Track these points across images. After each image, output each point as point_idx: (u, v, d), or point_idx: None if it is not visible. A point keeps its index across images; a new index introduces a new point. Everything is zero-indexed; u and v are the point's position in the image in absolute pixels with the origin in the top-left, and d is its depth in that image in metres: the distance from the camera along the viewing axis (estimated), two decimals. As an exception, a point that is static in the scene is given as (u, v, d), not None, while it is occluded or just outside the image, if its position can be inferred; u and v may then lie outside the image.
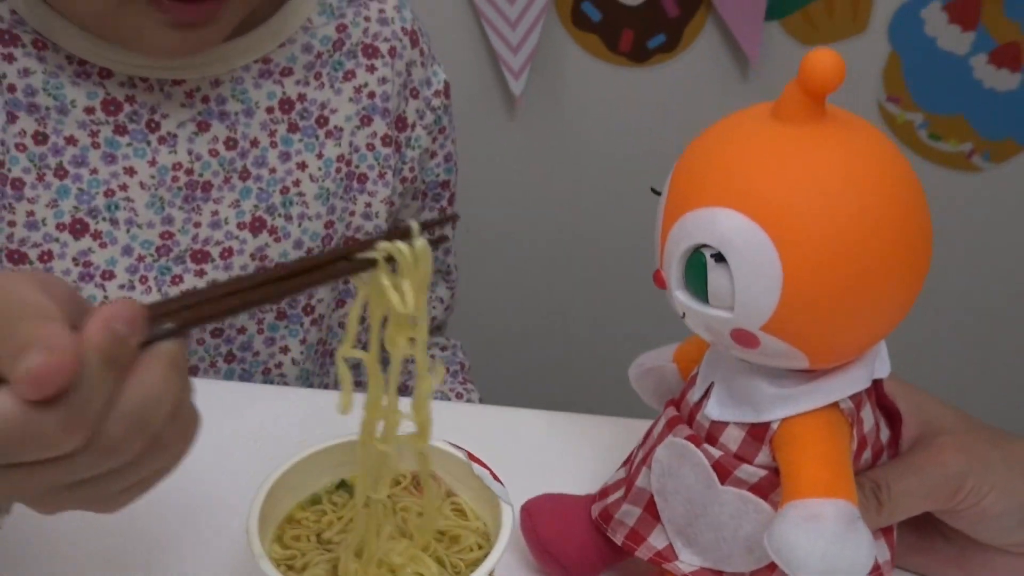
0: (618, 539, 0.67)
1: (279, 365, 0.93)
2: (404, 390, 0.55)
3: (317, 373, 0.97)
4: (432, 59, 0.99)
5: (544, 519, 0.69)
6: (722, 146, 0.56)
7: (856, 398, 0.61)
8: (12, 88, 0.80)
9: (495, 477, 0.63)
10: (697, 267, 0.56)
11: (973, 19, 1.64)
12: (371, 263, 0.49)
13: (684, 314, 0.59)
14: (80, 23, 0.81)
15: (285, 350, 0.93)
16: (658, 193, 0.62)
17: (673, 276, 0.58)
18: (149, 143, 0.85)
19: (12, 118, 0.81)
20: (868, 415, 0.63)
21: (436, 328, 1.11)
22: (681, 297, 0.58)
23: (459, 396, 1.04)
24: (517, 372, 1.90)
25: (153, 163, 0.85)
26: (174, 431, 0.47)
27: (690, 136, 1.73)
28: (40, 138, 0.82)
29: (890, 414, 0.65)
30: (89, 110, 0.82)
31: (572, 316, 1.91)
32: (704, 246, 0.55)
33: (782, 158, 0.54)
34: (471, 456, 0.64)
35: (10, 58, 0.81)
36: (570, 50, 1.68)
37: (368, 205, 0.95)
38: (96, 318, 0.44)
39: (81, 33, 0.82)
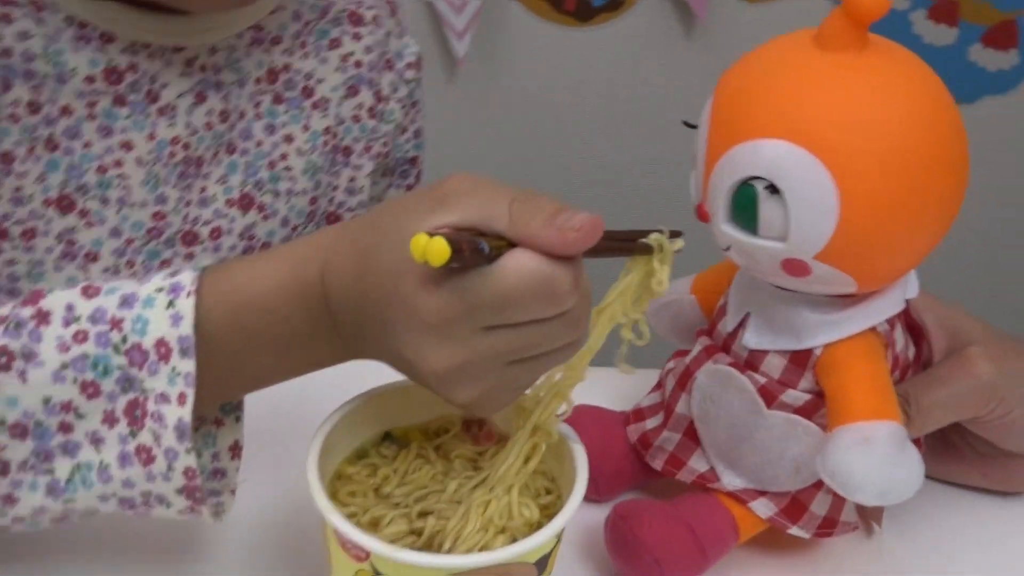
0: (657, 464, 0.67)
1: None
2: None
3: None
4: (405, 29, 0.96)
5: (586, 431, 0.67)
6: (767, 76, 0.56)
7: (890, 320, 0.61)
8: (8, 52, 0.76)
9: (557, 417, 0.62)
10: (747, 199, 0.56)
11: (911, -25, 1.69)
12: (650, 248, 0.56)
13: (729, 247, 0.59)
14: None
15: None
16: (692, 126, 0.61)
17: (720, 209, 0.57)
18: (149, 115, 0.81)
19: (7, 86, 0.76)
20: (900, 335, 0.63)
21: None
22: (728, 230, 0.58)
23: None
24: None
25: (152, 137, 0.81)
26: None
27: (637, 95, 1.74)
28: (34, 108, 0.78)
29: (915, 332, 0.66)
30: (89, 79, 0.78)
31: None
32: (755, 178, 0.55)
33: (830, 87, 0.54)
34: None
35: (7, 19, 0.75)
36: (514, 10, 1.66)
37: (352, 179, 0.92)
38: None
39: None
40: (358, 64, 0.90)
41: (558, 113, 1.74)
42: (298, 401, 0.65)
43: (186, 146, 0.83)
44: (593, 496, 0.67)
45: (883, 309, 0.60)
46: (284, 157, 0.87)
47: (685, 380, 0.66)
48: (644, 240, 0.56)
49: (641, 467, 0.69)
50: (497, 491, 0.58)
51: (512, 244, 0.51)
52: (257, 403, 0.61)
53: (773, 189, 0.55)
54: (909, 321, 0.65)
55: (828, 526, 0.64)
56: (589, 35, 1.68)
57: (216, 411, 0.60)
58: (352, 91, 0.90)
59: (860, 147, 0.53)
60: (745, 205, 0.56)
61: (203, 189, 0.84)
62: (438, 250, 0.47)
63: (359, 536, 0.53)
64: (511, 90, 1.72)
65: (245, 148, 0.86)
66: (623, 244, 0.56)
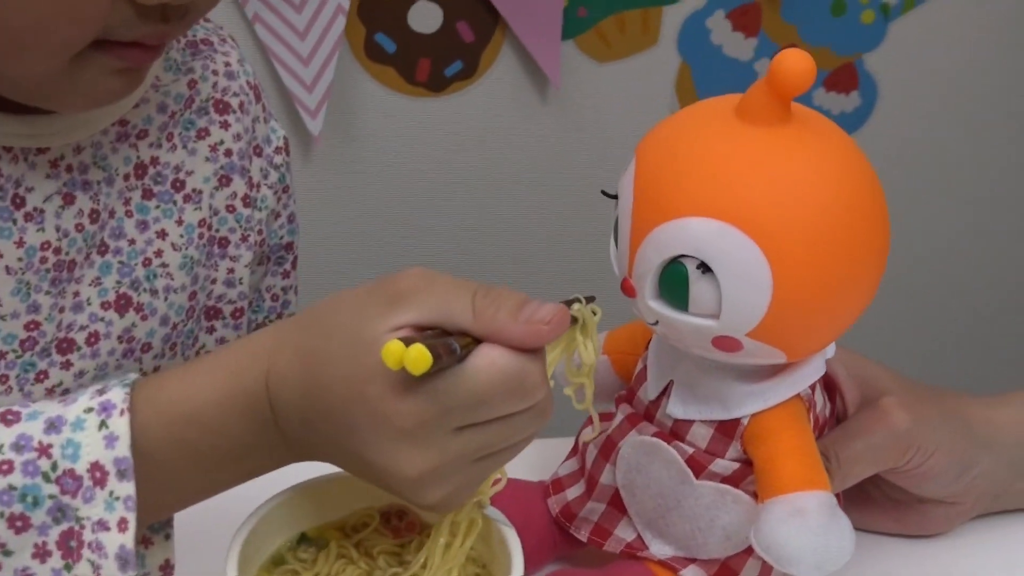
0: (583, 535, 0.66)
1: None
2: None
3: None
4: (270, 114, 0.94)
5: (505, 506, 0.66)
6: (692, 150, 0.55)
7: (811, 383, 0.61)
8: None
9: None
10: (677, 277, 0.55)
11: (755, 25, 1.72)
12: (574, 320, 0.56)
13: (657, 321, 0.58)
14: (9, 91, 0.71)
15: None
16: (610, 196, 0.60)
17: (647, 286, 0.57)
18: (15, 221, 0.76)
19: None
20: (819, 395, 0.64)
21: None
22: (656, 307, 0.57)
23: None
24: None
25: (20, 244, 0.76)
26: None
27: (497, 160, 1.74)
28: None
29: (828, 386, 0.66)
30: None
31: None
32: (685, 256, 0.54)
33: (759, 163, 0.54)
34: None
35: None
36: (366, 85, 1.63)
37: (231, 271, 0.89)
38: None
39: None
40: (228, 153, 0.87)
41: (419, 183, 1.72)
42: (202, 510, 0.61)
43: (57, 250, 0.77)
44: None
45: (808, 375, 0.60)
46: (159, 254, 0.83)
47: (609, 450, 0.65)
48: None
49: (564, 537, 0.68)
50: None
51: (477, 340, 0.50)
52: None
53: (705, 268, 0.54)
54: (823, 376, 0.65)
55: None
56: (444, 104, 1.67)
57: (143, 530, 0.57)
58: (224, 181, 0.87)
59: (792, 224, 0.53)
60: (675, 283, 0.55)
61: (76, 294, 0.79)
62: (418, 360, 0.46)
63: None
64: (370, 164, 1.69)
65: (118, 247, 0.81)
66: None
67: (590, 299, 0.58)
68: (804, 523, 0.57)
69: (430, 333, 0.49)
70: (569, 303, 0.56)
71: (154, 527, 0.57)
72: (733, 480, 0.61)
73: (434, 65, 1.64)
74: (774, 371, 0.60)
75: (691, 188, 0.54)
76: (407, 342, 0.47)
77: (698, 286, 0.55)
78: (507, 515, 0.60)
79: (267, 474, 0.57)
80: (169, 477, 0.54)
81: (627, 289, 0.58)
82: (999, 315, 1.95)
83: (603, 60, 1.67)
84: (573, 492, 0.67)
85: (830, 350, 0.63)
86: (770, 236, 0.53)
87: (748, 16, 1.66)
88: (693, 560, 0.63)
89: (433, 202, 1.74)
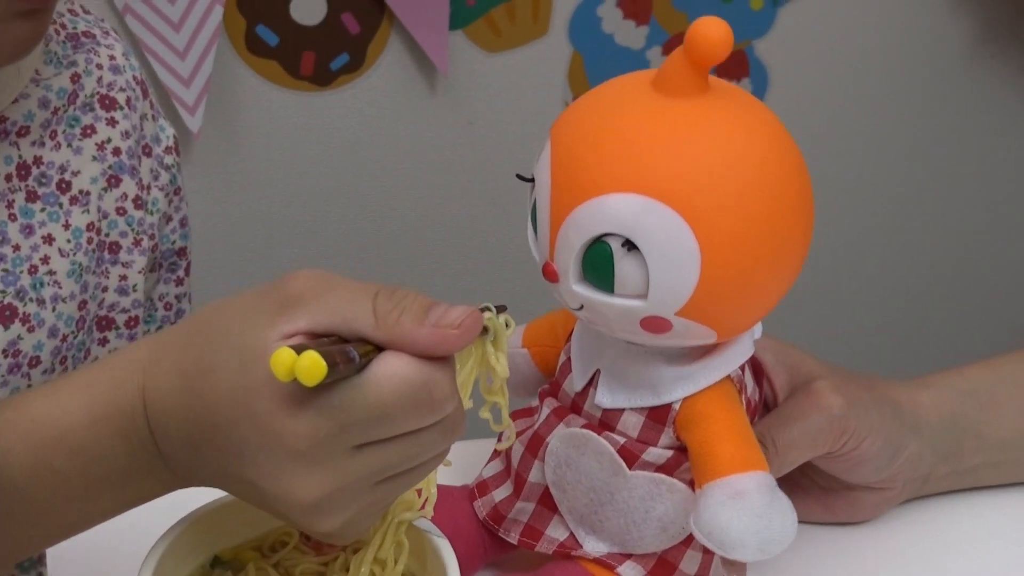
0: (513, 538, 0.64)
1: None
2: None
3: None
4: (159, 112, 0.91)
5: (433, 516, 0.63)
6: (611, 125, 0.53)
7: (740, 365, 0.60)
8: None
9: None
10: (601, 257, 0.53)
11: (646, 13, 1.72)
12: (484, 330, 0.52)
13: (581, 306, 0.56)
14: None
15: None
16: (525, 179, 0.58)
17: (570, 269, 0.55)
18: None
19: None
20: (748, 378, 0.63)
21: None
22: (580, 290, 0.55)
23: None
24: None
25: None
26: None
27: (386, 154, 1.72)
28: None
29: (754, 371, 0.65)
30: None
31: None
32: (609, 235, 0.53)
33: (681, 135, 0.52)
34: None
35: None
36: (247, 79, 1.59)
37: (123, 278, 0.86)
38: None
39: None
40: (116, 152, 0.83)
41: (306, 181, 1.68)
42: (99, 538, 0.57)
43: None
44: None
45: (737, 356, 0.59)
46: (46, 260, 0.79)
47: (536, 446, 0.63)
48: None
49: (494, 541, 0.66)
50: None
51: (379, 347, 0.46)
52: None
53: (630, 246, 0.52)
54: (751, 361, 0.64)
55: None
56: (330, 99, 1.63)
57: (12, 569, 0.53)
58: (113, 181, 0.83)
59: (719, 197, 0.52)
60: (599, 263, 0.53)
61: None
62: (311, 369, 0.42)
63: None
64: (253, 161, 1.64)
65: (1, 254, 0.77)
66: None
67: (501, 308, 0.55)
68: (745, 505, 0.56)
69: (326, 341, 0.45)
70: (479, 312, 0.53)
71: (23, 566, 0.53)
72: (667, 469, 0.60)
73: (319, 58, 1.60)
74: (703, 353, 0.59)
75: (612, 164, 0.52)
76: (299, 350, 0.42)
77: (623, 265, 0.53)
78: (432, 522, 0.57)
79: (175, 493, 0.53)
80: (36, 509, 0.49)
81: (549, 274, 0.56)
82: (906, 300, 1.99)
83: (493, 50, 1.66)
84: (500, 493, 0.65)
85: (757, 330, 0.62)
86: (697, 210, 0.51)
87: (639, 4, 1.67)
88: (630, 556, 0.62)
89: (321, 200, 1.70)
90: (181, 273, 0.95)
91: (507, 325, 0.54)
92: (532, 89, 1.69)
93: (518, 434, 0.65)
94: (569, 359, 0.63)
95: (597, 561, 0.62)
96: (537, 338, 0.69)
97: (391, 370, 0.45)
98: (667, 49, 1.71)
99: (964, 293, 2.02)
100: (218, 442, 0.46)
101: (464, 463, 0.69)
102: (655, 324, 0.55)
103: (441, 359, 0.46)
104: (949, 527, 0.73)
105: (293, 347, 0.43)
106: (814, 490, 0.70)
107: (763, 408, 0.68)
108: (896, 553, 0.72)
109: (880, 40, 1.79)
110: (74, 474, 0.49)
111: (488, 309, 0.53)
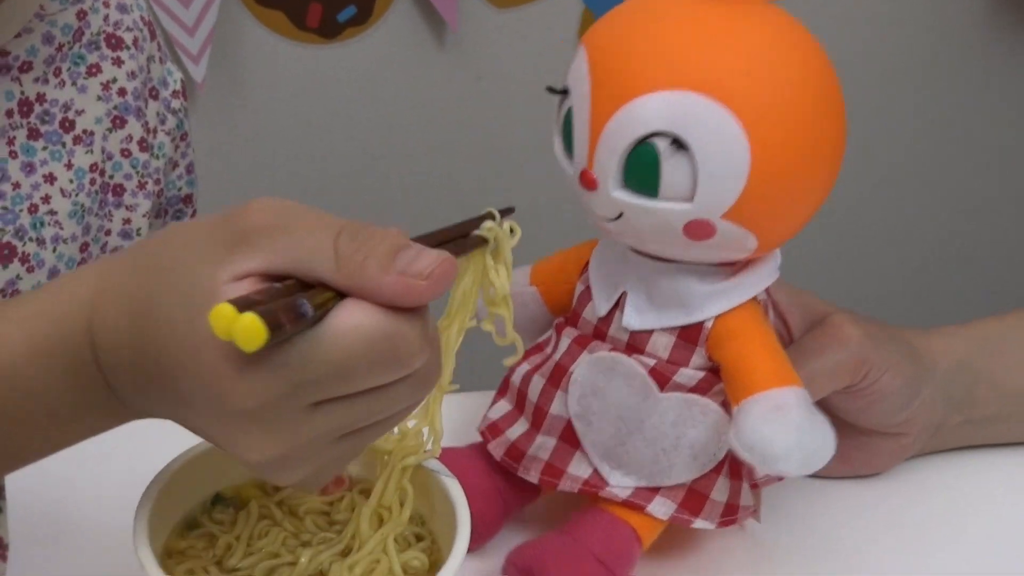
0: (533, 476, 0.62)
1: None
2: None
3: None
4: (166, 55, 0.90)
5: None
6: (657, 27, 0.53)
7: (766, 289, 0.60)
8: None
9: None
10: (646, 159, 0.52)
11: (658, -29, 1.74)
12: (484, 241, 0.50)
13: (620, 215, 0.55)
14: None
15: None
16: (556, 92, 0.57)
17: (611, 174, 0.54)
18: None
19: None
20: (771, 309, 0.63)
21: None
22: (621, 196, 0.54)
23: None
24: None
25: None
26: None
27: (392, 109, 1.70)
28: None
29: (772, 304, 0.65)
30: None
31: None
32: (655, 135, 0.52)
33: (729, 35, 0.53)
34: None
35: None
36: (252, 29, 1.58)
37: (127, 222, 0.85)
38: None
39: None
40: (122, 92, 0.82)
41: (310, 134, 1.66)
42: (96, 474, 0.55)
43: None
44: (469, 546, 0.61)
45: (765, 276, 0.59)
46: (47, 199, 0.78)
47: (559, 377, 0.61)
48: (477, 232, 0.50)
49: (512, 493, 0.64)
50: (372, 553, 0.52)
51: (342, 294, 0.42)
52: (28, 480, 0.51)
53: (678, 145, 0.52)
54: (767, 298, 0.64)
55: (730, 513, 0.61)
56: (336, 51, 1.61)
57: None
58: (118, 122, 0.82)
59: (768, 95, 0.52)
60: (644, 166, 0.53)
61: None
62: (249, 333, 0.38)
63: None
64: (257, 113, 1.62)
65: (1, 191, 0.77)
66: (451, 246, 0.49)
67: (507, 212, 0.52)
68: (787, 418, 0.55)
69: (279, 287, 0.41)
70: (480, 220, 0.50)
71: None
72: (700, 389, 0.59)
73: (326, 10, 1.58)
74: (732, 271, 0.58)
75: (661, 62, 0.52)
76: (242, 304, 0.38)
77: (670, 166, 0.52)
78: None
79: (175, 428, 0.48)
80: None
81: (587, 181, 0.55)
82: (922, 261, 1.97)
83: (503, 6, 1.64)
84: (516, 431, 0.63)
85: (777, 258, 0.62)
86: (747, 106, 0.51)
87: (651, -39, 1.67)
88: (657, 490, 0.60)
89: (325, 154, 1.68)
90: (187, 220, 0.94)
91: (512, 232, 0.51)
92: (541, 45, 1.66)
93: (534, 369, 0.63)
94: (588, 288, 0.62)
95: (625, 504, 0.61)
96: (546, 276, 0.67)
97: (351, 322, 0.41)
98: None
99: (981, 257, 1.99)
100: (167, 387, 0.43)
101: (463, 418, 0.68)
102: (699, 229, 0.54)
103: (411, 309, 0.42)
104: (960, 483, 0.73)
105: (236, 301, 0.39)
106: None
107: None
108: (907, 509, 0.72)
109: (892, 9, 1.77)
110: (14, 408, 0.46)
111: (491, 217, 0.50)
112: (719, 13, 0.53)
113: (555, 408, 0.62)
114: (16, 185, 0.77)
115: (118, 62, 0.83)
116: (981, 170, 1.96)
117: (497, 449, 0.64)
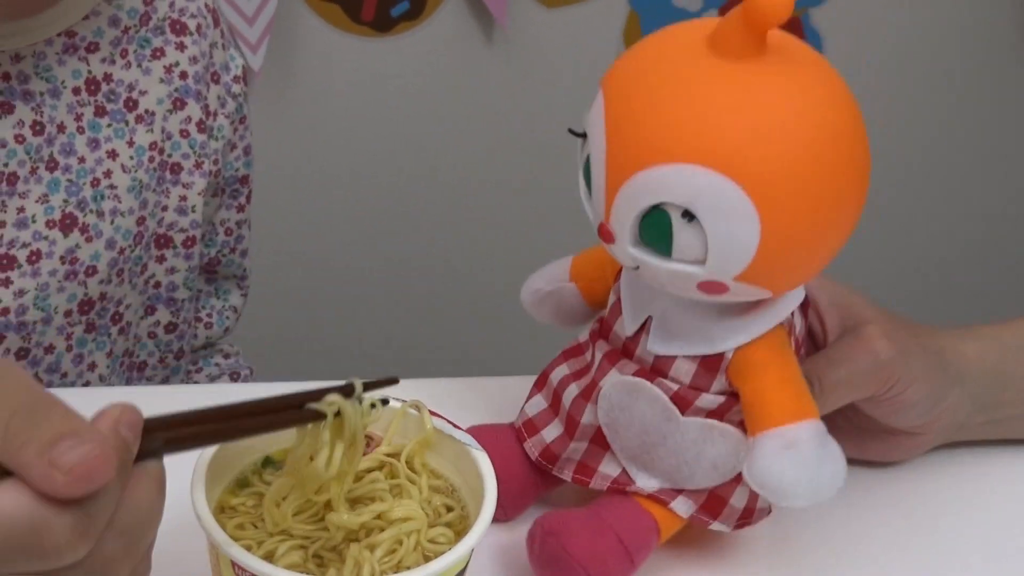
0: (567, 475, 0.65)
1: (86, 384, 0.85)
2: None
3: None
4: (229, 41, 0.92)
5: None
6: (667, 90, 0.52)
7: None
8: None
9: (455, 426, 0.60)
10: (659, 224, 0.53)
11: (705, -25, 1.76)
12: (320, 414, 0.52)
13: (638, 267, 0.56)
14: None
15: (92, 366, 0.85)
16: (577, 135, 0.57)
17: (627, 232, 0.55)
18: None
19: None
20: (797, 317, 0.63)
21: (225, 331, 1.03)
22: (636, 253, 0.55)
23: None
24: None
25: None
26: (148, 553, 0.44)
27: (442, 103, 1.71)
28: None
29: (801, 304, 0.65)
30: None
31: (353, 305, 1.84)
32: (667, 204, 0.53)
33: (740, 102, 0.51)
34: (431, 411, 0.61)
35: None
36: (310, 21, 1.60)
37: (183, 199, 0.88)
38: (106, 419, 0.41)
39: None
40: (183, 75, 0.85)
41: (361, 124, 1.69)
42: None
43: None
44: (499, 517, 0.64)
45: (789, 303, 0.60)
46: (108, 174, 0.83)
47: (590, 392, 0.64)
48: (314, 406, 0.52)
49: (543, 478, 0.67)
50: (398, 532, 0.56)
51: (7, 472, 0.40)
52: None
53: (689, 216, 0.52)
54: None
55: (746, 516, 0.64)
56: (389, 45, 1.64)
57: None
58: (178, 104, 0.85)
59: (777, 165, 0.51)
60: (657, 230, 0.54)
61: (21, 209, 0.79)
62: None
63: (267, 568, 0.50)
64: (311, 103, 1.66)
65: (67, 165, 0.80)
66: (286, 416, 0.51)
67: (389, 382, 0.54)
68: (798, 455, 0.57)
69: None
70: (340, 389, 0.52)
71: None
72: (719, 414, 0.61)
73: (380, 4, 1.60)
74: (756, 304, 0.59)
75: (671, 133, 0.52)
76: None
77: (682, 233, 0.53)
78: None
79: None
80: None
81: (604, 235, 0.57)
82: (957, 259, 1.97)
83: (552, 5, 1.65)
84: (550, 433, 0.67)
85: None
86: (757, 180, 0.51)
87: (698, -34, 1.69)
88: (680, 491, 0.63)
89: (374, 145, 1.72)
90: (243, 200, 0.97)
91: (376, 405, 0.54)
92: (587, 46, 1.69)
93: (573, 376, 0.66)
94: (619, 301, 0.64)
95: (651, 497, 0.64)
96: (585, 272, 0.69)
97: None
98: (723, 12, 1.72)
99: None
100: None
101: (504, 401, 0.72)
102: (713, 288, 0.55)
103: (70, 500, 0.40)
104: (978, 474, 0.75)
105: None
106: (849, 428, 0.71)
107: (809, 340, 0.69)
108: (924, 498, 0.73)
109: (935, 14, 1.76)
110: None
111: (346, 390, 0.53)
112: (735, 74, 0.52)
113: (586, 418, 0.65)
114: (81, 159, 0.82)
115: (181, 47, 0.86)
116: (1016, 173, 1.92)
117: (533, 449, 0.67)
